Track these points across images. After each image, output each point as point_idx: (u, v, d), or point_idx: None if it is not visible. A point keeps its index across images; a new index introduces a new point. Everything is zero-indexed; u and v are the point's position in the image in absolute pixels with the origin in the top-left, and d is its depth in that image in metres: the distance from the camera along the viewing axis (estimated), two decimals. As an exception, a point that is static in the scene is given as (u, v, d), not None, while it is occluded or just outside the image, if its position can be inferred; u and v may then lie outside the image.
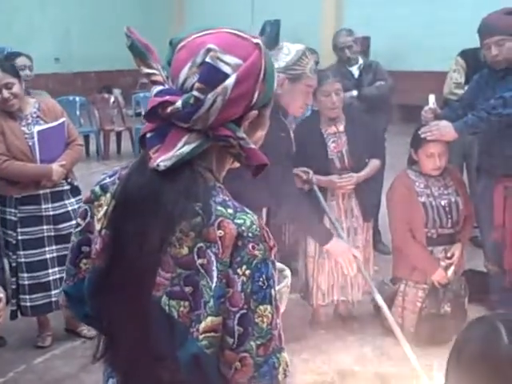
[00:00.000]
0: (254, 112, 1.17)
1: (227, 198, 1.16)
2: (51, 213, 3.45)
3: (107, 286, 1.17)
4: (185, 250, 1.10)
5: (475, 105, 3.40)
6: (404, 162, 3.66)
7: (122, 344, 1.19)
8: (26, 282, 3.44)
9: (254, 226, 1.12)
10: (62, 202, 3.49)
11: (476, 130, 3.40)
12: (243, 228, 1.11)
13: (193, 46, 1.14)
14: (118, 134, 9.26)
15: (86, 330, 3.69)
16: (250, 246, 1.10)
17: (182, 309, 1.11)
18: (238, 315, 1.10)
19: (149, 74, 1.15)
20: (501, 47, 3.29)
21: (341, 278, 3.48)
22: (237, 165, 1.23)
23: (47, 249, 3.46)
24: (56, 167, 3.42)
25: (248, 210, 1.16)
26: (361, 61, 4.81)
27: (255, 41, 1.16)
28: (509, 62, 3.34)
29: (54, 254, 3.47)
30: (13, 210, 3.42)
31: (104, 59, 13.25)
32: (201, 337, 1.09)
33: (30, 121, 3.41)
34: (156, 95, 1.12)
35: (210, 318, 1.09)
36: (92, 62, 13.13)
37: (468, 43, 4.90)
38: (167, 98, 1.11)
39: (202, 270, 1.09)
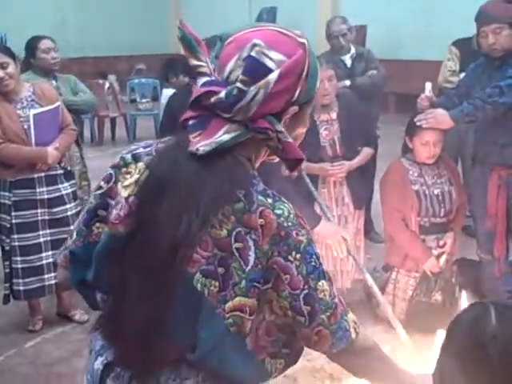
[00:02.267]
0: (295, 108, 1.22)
1: (266, 188, 1.21)
2: (45, 196, 3.45)
3: (126, 253, 1.19)
4: (224, 233, 1.15)
5: (471, 93, 3.41)
6: (398, 150, 3.66)
7: (129, 315, 1.19)
8: (20, 266, 3.45)
9: (292, 215, 1.19)
10: (56, 186, 3.50)
11: (472, 119, 3.40)
12: (282, 218, 1.17)
13: (240, 41, 1.20)
14: (113, 120, 9.25)
15: (78, 314, 3.71)
16: (294, 233, 1.17)
17: (212, 288, 1.15)
18: (301, 296, 1.18)
19: (197, 66, 1.21)
20: (498, 35, 3.29)
21: (330, 266, 3.49)
22: (275, 158, 1.28)
23: (41, 232, 3.46)
24: (51, 150, 3.41)
25: (284, 199, 1.21)
26: (353, 49, 4.79)
27: (301, 40, 1.23)
28: (505, 51, 3.34)
29: (48, 238, 3.48)
30: (7, 194, 3.42)
31: (100, 45, 13.20)
32: (227, 315, 1.15)
33: (25, 104, 3.40)
34: (202, 85, 1.18)
35: (238, 298, 1.15)
36: (88, 48, 13.07)
37: (463, 32, 4.91)
38: (212, 88, 1.16)
39: (237, 254, 1.15)
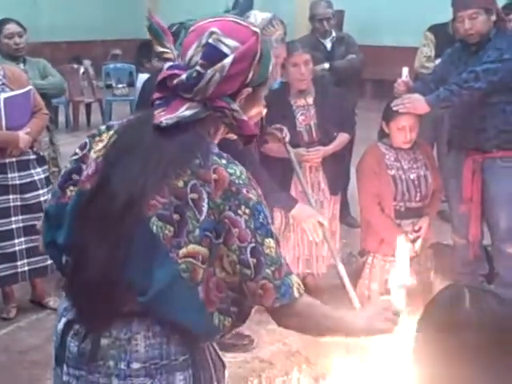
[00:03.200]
0: (248, 89, 1.39)
1: (221, 152, 1.37)
2: (18, 182, 3.40)
3: (88, 208, 1.33)
4: (180, 184, 1.29)
5: (447, 79, 3.41)
6: (374, 136, 3.66)
7: (88, 267, 1.31)
8: (-9, 253, 3.40)
9: (244, 176, 1.34)
10: (28, 172, 3.44)
11: (448, 104, 3.42)
12: (234, 177, 1.32)
13: (200, 30, 1.38)
14: (88, 106, 9.14)
15: (52, 301, 3.67)
16: (245, 190, 1.32)
17: (167, 232, 1.28)
18: (248, 249, 1.30)
19: (162, 52, 1.39)
20: (474, 21, 3.29)
21: (306, 251, 3.49)
22: (232, 136, 1.44)
23: (13, 219, 3.41)
24: (22, 135, 3.36)
25: (237, 163, 1.36)
26: (334, 33, 4.80)
27: (254, 29, 1.39)
28: (481, 36, 3.36)
29: (20, 225, 3.43)
30: (-23, 179, 3.36)
31: (74, 29, 12.98)
32: (180, 260, 1.27)
33: (-5, 88, 3.34)
34: (167, 69, 1.36)
35: (191, 246, 1.28)
36: (62, 32, 12.85)
37: (439, 18, 4.92)
38: (175, 71, 1.34)
39: (192, 204, 1.28)
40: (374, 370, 2.77)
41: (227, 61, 1.32)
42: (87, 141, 1.45)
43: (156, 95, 1.37)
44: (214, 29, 1.35)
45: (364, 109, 5.93)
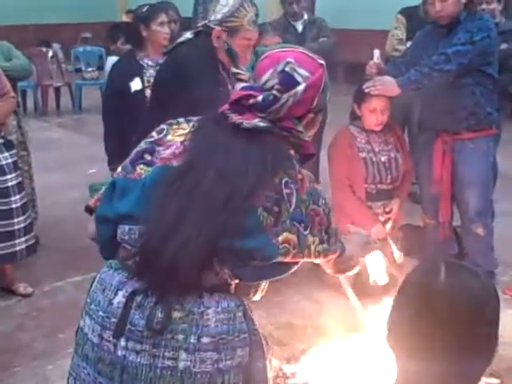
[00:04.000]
0: (312, 114, 1.57)
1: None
2: (-16, 167, 3.32)
3: (181, 181, 1.42)
4: (277, 180, 1.44)
5: (418, 61, 3.42)
6: (346, 120, 3.67)
7: (175, 238, 1.37)
8: (-40, 238, 3.33)
9: (310, 173, 1.55)
10: (-5, 156, 3.37)
11: (419, 86, 3.42)
12: (309, 175, 1.53)
13: (275, 58, 1.55)
14: (57, 90, 8.99)
15: (22, 287, 3.62)
16: (316, 185, 1.55)
17: (268, 221, 1.41)
18: (324, 228, 1.53)
19: (237, 73, 1.57)
20: (445, 3, 3.30)
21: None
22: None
23: (-20, 204, 3.34)
24: (-12, 119, 3.29)
25: None
26: (305, 16, 4.77)
27: (320, 61, 1.58)
28: (452, 19, 3.37)
29: (-12, 209, 3.36)
30: None
31: (43, 12, 12.73)
32: (280, 246, 1.42)
33: (-40, 71, 3.26)
34: (241, 89, 1.52)
35: (285, 233, 1.42)
36: (30, 15, 12.59)
37: (410, 0, 4.93)
38: (251, 92, 1.50)
39: (286, 198, 1.43)
40: (346, 351, 2.80)
41: (300, 88, 1.49)
42: (165, 127, 1.57)
43: (227, 107, 1.53)
44: (289, 59, 1.52)
45: (336, 92, 5.92)
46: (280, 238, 1.42)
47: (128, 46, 4.21)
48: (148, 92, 3.34)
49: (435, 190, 3.61)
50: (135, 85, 3.42)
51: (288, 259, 1.47)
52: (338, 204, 3.56)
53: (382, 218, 3.45)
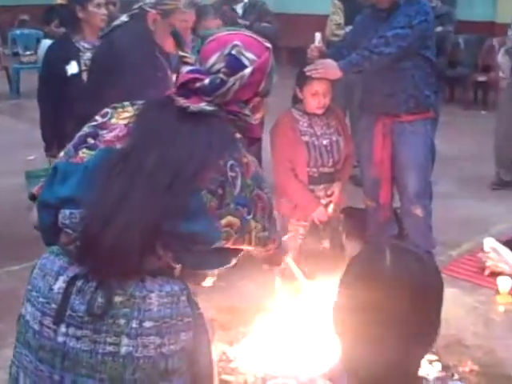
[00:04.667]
0: (258, 98, 1.58)
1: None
2: None
3: (123, 163, 1.41)
4: (222, 162, 1.44)
5: (359, 45, 3.45)
6: (288, 103, 3.67)
7: (118, 220, 1.36)
8: None
9: (254, 158, 1.56)
10: None
11: (360, 69, 3.46)
12: (255, 160, 1.55)
13: (221, 41, 1.56)
14: (-6, 74, 8.70)
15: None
16: (261, 171, 1.57)
17: (212, 204, 1.42)
18: (267, 215, 1.55)
19: (183, 56, 1.61)
20: None
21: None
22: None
23: None
24: None
25: None
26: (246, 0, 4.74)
27: (267, 44, 1.60)
28: (391, 3, 3.41)
29: None
30: None
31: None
32: (223, 230, 1.43)
33: None
34: (187, 72, 1.52)
35: (229, 217, 1.44)
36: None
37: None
38: (197, 75, 1.50)
39: (231, 180, 1.44)
40: (289, 334, 2.83)
41: (247, 71, 1.51)
42: (109, 111, 1.55)
43: (174, 90, 1.54)
44: (236, 42, 1.53)
45: (279, 76, 5.92)
46: (223, 221, 1.43)
47: (63, 29, 4.10)
48: (85, 76, 3.26)
49: (376, 173, 3.67)
50: (72, 68, 3.34)
51: (229, 244, 1.48)
52: (281, 187, 3.57)
53: (323, 201, 3.47)
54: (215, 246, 1.44)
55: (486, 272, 3.76)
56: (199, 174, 1.41)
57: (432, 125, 3.76)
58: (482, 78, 8.19)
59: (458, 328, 3.18)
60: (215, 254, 1.48)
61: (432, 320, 1.14)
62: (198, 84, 1.49)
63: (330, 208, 3.48)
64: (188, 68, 1.55)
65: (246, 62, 1.52)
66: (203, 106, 1.48)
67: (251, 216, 1.49)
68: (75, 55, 3.41)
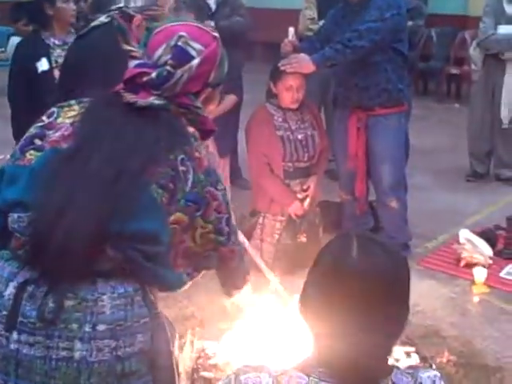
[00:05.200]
0: (209, 89, 1.55)
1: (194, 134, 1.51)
2: None
3: (70, 164, 1.38)
4: (172, 157, 1.40)
5: (332, 38, 3.46)
6: (263, 99, 3.66)
7: (73, 224, 1.33)
8: None
9: (211, 155, 1.52)
10: None
11: (333, 63, 3.46)
12: (209, 156, 1.49)
13: (167, 32, 1.51)
14: (-36, 73, 8.54)
15: None
16: (217, 169, 1.51)
17: (164, 199, 1.38)
18: (224, 219, 1.49)
19: (129, 50, 1.52)
20: None
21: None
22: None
23: None
24: None
25: None
26: (219, -6, 4.70)
27: (214, 34, 1.55)
28: None
29: None
30: None
31: None
32: (171, 226, 1.39)
33: None
34: (135, 67, 1.48)
35: (178, 214, 1.40)
36: None
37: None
38: (144, 69, 1.46)
39: (182, 175, 1.40)
40: (267, 328, 2.82)
41: (194, 62, 1.47)
42: (55, 110, 1.51)
43: (121, 86, 1.48)
44: (182, 33, 1.49)
45: (254, 71, 5.93)
46: (172, 218, 1.40)
47: (31, 27, 4.03)
48: (56, 73, 3.21)
49: (351, 166, 3.68)
50: (42, 65, 3.29)
51: (175, 240, 1.43)
52: (257, 182, 3.57)
53: (299, 196, 3.48)
54: (165, 245, 1.40)
55: (462, 263, 3.79)
56: (147, 169, 1.38)
57: (405, 118, 3.80)
58: (454, 71, 8.27)
59: (435, 319, 3.21)
60: (164, 269, 1.43)
61: (400, 309, 1.15)
62: (145, 78, 1.45)
63: (306, 202, 3.49)
64: (135, 62, 1.50)
65: (193, 53, 1.48)
66: (151, 100, 1.44)
67: (200, 213, 1.44)
68: (45, 52, 3.35)
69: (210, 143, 3.55)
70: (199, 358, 2.76)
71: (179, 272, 1.49)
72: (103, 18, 2.70)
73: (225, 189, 1.50)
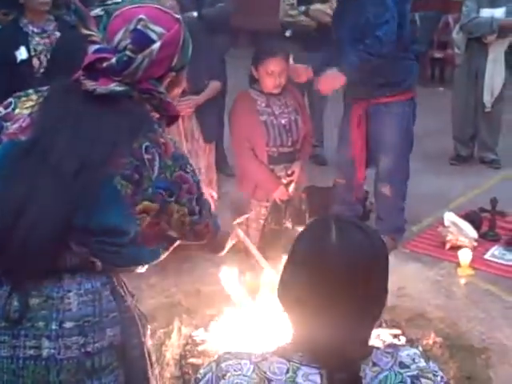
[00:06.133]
0: (173, 73, 1.49)
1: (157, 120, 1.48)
2: None
3: (28, 157, 1.34)
4: (136, 145, 1.37)
5: (340, 34, 3.54)
6: (248, 84, 3.64)
7: (26, 219, 1.30)
8: None
9: (175, 139, 1.51)
10: None
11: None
12: (174, 141, 1.47)
13: (126, 15, 1.45)
14: None
15: None
16: (182, 151, 1.51)
17: (128, 190, 1.34)
18: (195, 198, 1.48)
19: (88, 35, 1.47)
20: None
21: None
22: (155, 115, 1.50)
23: None
24: None
25: None
26: (203, -19, 4.67)
27: (176, 16, 1.49)
28: None
29: None
30: None
31: None
32: (138, 216, 1.37)
33: None
34: (94, 52, 1.42)
35: (145, 202, 1.37)
36: None
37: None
38: (104, 54, 1.40)
39: (147, 163, 1.36)
40: (254, 315, 2.82)
41: (155, 46, 1.41)
42: (12, 100, 1.46)
43: (81, 73, 1.42)
44: (141, 16, 1.42)
45: (238, 57, 5.89)
46: (138, 207, 1.37)
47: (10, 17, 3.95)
48: (35, 61, 3.17)
49: (350, 153, 3.71)
50: (21, 54, 3.23)
51: (143, 228, 1.40)
52: (241, 168, 3.56)
53: (284, 181, 3.47)
54: (131, 236, 1.38)
55: (447, 246, 3.82)
56: (109, 160, 1.33)
57: (409, 106, 3.75)
58: (438, 55, 8.29)
59: (421, 301, 3.22)
60: (137, 249, 1.42)
61: (379, 290, 1.15)
62: (105, 64, 1.39)
63: (291, 187, 3.49)
64: (94, 47, 1.45)
65: (154, 37, 1.42)
66: (112, 86, 1.39)
67: (173, 199, 1.42)
68: (24, 40, 3.28)
69: (196, 129, 3.56)
70: (187, 344, 2.77)
71: (153, 247, 1.47)
72: (98, 11, 2.69)
73: (194, 169, 1.49)
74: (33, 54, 3.24)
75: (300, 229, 1.24)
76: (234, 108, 3.51)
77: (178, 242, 1.56)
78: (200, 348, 2.74)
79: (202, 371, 1.18)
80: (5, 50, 3.29)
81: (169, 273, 3.41)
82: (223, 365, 1.14)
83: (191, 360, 2.66)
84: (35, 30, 3.31)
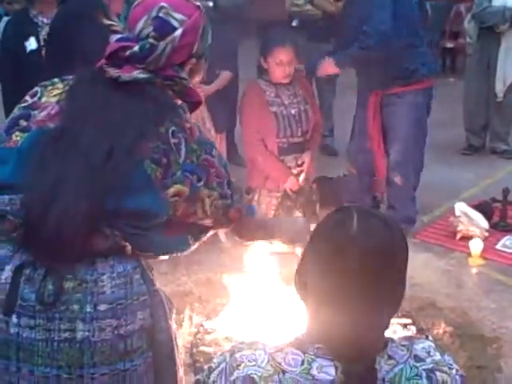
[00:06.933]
0: (193, 60, 1.51)
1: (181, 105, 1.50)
2: None
3: (58, 143, 1.36)
4: (162, 130, 1.39)
5: (352, 23, 3.53)
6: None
7: (65, 204, 1.32)
8: None
9: (198, 124, 1.50)
10: None
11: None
12: (199, 126, 1.48)
13: (148, 4, 1.48)
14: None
15: None
16: (208, 136, 1.53)
17: (158, 174, 1.36)
18: (225, 182, 1.48)
19: (109, 25, 1.48)
20: None
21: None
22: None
23: None
24: None
25: None
26: (213, -30, 4.67)
27: (197, 3, 1.51)
28: None
29: None
30: None
31: None
32: (171, 199, 1.38)
33: None
34: (116, 41, 1.44)
35: (177, 185, 1.38)
36: None
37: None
38: (127, 43, 1.43)
39: (174, 148, 1.38)
40: (265, 304, 2.83)
41: (177, 33, 1.44)
42: (38, 89, 1.47)
43: (104, 61, 1.45)
44: (163, 4, 1.46)
45: (249, 47, 5.88)
46: (170, 191, 1.39)
47: (16, 5, 3.98)
48: (44, 52, 3.18)
49: (368, 146, 3.71)
50: (31, 44, 3.25)
51: (178, 214, 1.42)
52: (251, 159, 3.56)
53: (294, 171, 3.47)
54: (163, 219, 1.40)
55: (458, 236, 3.80)
56: (138, 144, 1.36)
57: (424, 96, 3.72)
58: (450, 45, 8.22)
59: (432, 291, 3.22)
60: (166, 235, 1.44)
61: (398, 282, 1.14)
62: (128, 52, 1.42)
63: (301, 178, 3.48)
64: (117, 36, 1.47)
65: (176, 24, 1.45)
66: (136, 74, 1.42)
67: (202, 183, 1.44)
68: (34, 31, 3.30)
69: (207, 119, 3.56)
70: (198, 332, 2.78)
71: (183, 236, 1.50)
72: None
73: (220, 154, 1.50)
74: (42, 44, 3.26)
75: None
76: (244, 99, 3.51)
77: (210, 233, 1.57)
78: (211, 337, 2.75)
79: (215, 360, 1.18)
80: (15, 39, 3.31)
81: (180, 261, 3.42)
82: (237, 355, 1.14)
83: (202, 348, 2.67)
84: (45, 20, 3.33)
